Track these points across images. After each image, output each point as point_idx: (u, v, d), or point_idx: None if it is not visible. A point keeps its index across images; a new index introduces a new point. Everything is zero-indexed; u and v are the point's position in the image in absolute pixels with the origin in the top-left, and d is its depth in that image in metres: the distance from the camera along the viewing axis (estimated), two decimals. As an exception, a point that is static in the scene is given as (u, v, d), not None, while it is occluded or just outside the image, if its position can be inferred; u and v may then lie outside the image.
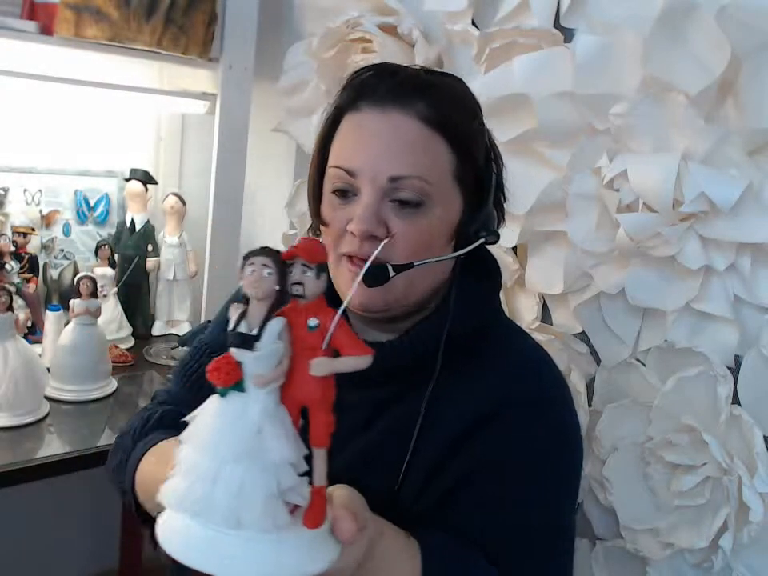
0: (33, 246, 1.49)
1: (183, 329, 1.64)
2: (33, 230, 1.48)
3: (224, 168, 1.49)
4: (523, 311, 1.16)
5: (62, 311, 1.37)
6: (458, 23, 1.15)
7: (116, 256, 1.57)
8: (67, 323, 1.30)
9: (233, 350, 0.46)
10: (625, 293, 0.98)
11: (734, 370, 0.92)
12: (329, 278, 0.49)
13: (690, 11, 0.86)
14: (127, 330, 1.56)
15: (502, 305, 0.86)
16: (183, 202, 1.63)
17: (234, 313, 0.47)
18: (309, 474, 0.49)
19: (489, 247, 0.75)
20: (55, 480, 1.11)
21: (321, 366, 0.46)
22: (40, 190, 1.55)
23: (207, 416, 0.48)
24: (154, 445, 0.75)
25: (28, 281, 1.43)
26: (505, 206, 0.76)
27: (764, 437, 0.89)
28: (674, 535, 0.96)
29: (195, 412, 0.49)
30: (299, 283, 0.46)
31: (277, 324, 0.46)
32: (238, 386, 0.46)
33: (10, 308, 1.15)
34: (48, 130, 1.56)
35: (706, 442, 0.90)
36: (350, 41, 1.27)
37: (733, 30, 0.82)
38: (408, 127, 0.66)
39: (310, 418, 0.47)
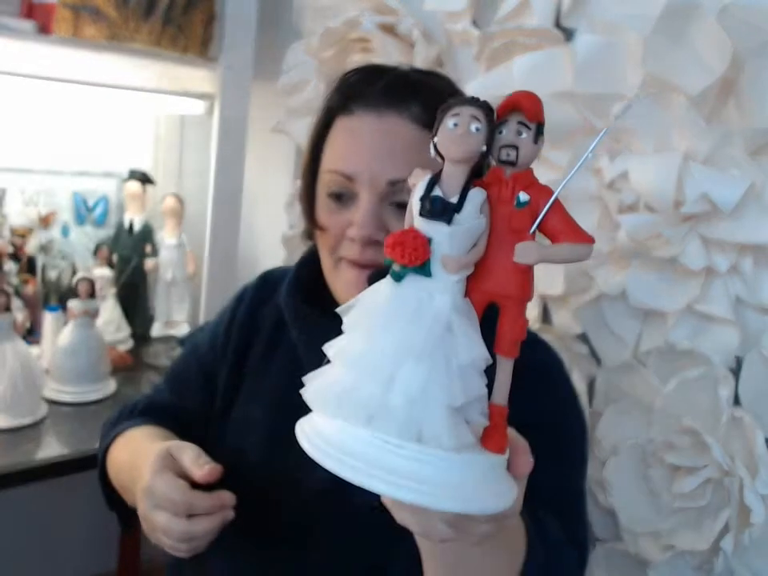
0: (31, 246, 1.48)
1: (182, 330, 1.64)
2: (31, 230, 1.47)
3: (223, 168, 1.49)
4: (523, 312, 1.15)
5: (60, 312, 1.36)
6: (458, 23, 1.15)
7: (114, 257, 1.57)
8: (66, 324, 1.29)
9: (422, 222, 0.38)
10: (626, 294, 0.98)
11: (736, 372, 0.92)
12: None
13: (691, 11, 0.85)
14: (126, 331, 1.55)
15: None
16: (182, 203, 1.63)
17: (418, 179, 0.40)
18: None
19: None
20: (54, 481, 1.11)
21: (529, 252, 0.37)
22: (38, 191, 1.55)
23: (379, 303, 0.39)
24: (125, 431, 0.78)
25: (26, 282, 1.42)
26: None
27: (765, 438, 0.88)
28: (675, 537, 0.95)
29: (359, 296, 0.41)
30: (512, 146, 0.37)
31: (479, 195, 0.38)
32: (422, 268, 0.37)
33: (8, 309, 1.14)
34: (46, 131, 1.55)
35: (706, 444, 0.90)
36: (350, 40, 1.26)
37: (734, 30, 0.82)
38: (404, 130, 0.66)
39: (501, 318, 0.39)
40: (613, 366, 1.04)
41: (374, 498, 0.65)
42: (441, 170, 0.39)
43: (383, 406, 0.36)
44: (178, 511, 0.61)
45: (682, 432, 0.94)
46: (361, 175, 0.66)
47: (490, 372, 0.39)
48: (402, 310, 0.37)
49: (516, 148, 0.37)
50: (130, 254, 1.58)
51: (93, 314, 1.28)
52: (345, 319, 0.41)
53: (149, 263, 1.61)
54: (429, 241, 0.37)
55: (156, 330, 1.65)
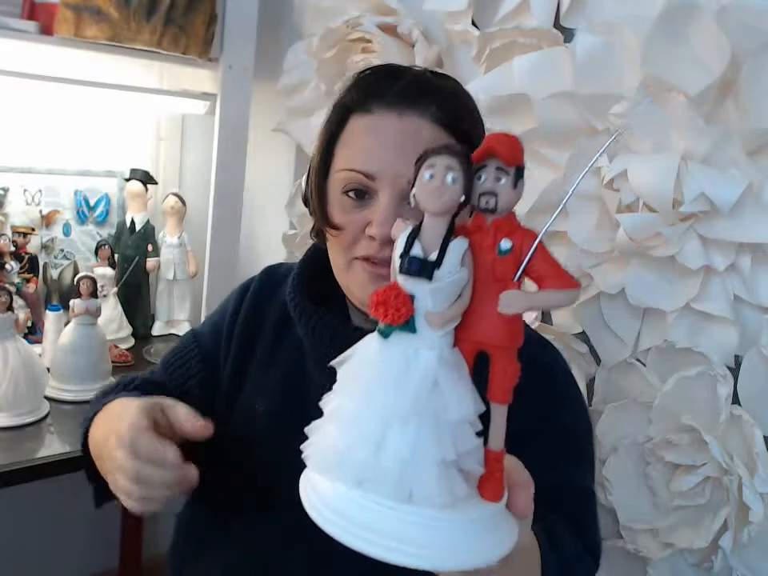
0: (33, 246, 1.49)
1: (183, 329, 1.64)
2: (33, 229, 1.48)
3: (224, 168, 1.49)
4: (523, 311, 1.16)
5: (61, 311, 1.37)
6: (458, 23, 1.15)
7: (116, 256, 1.57)
8: (67, 323, 1.30)
9: (403, 280, 0.37)
10: (625, 293, 0.98)
11: (734, 370, 0.92)
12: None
13: (690, 11, 0.86)
14: (127, 329, 1.56)
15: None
16: (183, 202, 1.63)
17: (399, 231, 0.38)
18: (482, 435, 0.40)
19: None
20: (55, 480, 1.11)
21: (513, 302, 0.36)
22: (40, 190, 1.55)
23: (368, 361, 0.39)
24: (112, 401, 0.75)
25: (28, 281, 1.43)
26: None
27: (764, 437, 0.89)
28: (674, 535, 0.96)
29: (347, 352, 0.41)
30: (491, 193, 0.36)
31: (460, 246, 0.37)
32: (407, 325, 0.37)
33: (10, 308, 1.15)
34: (48, 130, 1.56)
35: (705, 442, 0.90)
36: (350, 41, 1.27)
37: (733, 30, 0.82)
38: (424, 130, 0.66)
39: (492, 367, 0.38)
40: (612, 365, 1.04)
41: None
42: (421, 222, 0.38)
43: (375, 469, 0.36)
44: (139, 453, 0.60)
45: (681, 430, 0.94)
46: (383, 174, 0.66)
47: (486, 415, 0.39)
48: (389, 370, 0.37)
49: (495, 195, 0.36)
50: (131, 253, 1.58)
51: (94, 313, 1.28)
52: (338, 374, 0.41)
53: (150, 262, 1.61)
54: (411, 298, 0.37)
55: (157, 329, 1.65)
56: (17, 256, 1.43)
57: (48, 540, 1.70)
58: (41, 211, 1.55)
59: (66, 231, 1.59)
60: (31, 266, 1.45)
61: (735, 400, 0.92)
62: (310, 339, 0.74)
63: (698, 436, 0.92)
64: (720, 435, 0.91)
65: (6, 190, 1.48)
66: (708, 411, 0.92)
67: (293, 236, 1.49)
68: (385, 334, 0.38)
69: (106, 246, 1.52)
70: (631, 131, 0.93)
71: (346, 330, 0.72)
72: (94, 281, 1.29)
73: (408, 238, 0.37)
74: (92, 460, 0.75)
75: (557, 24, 1.05)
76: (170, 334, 1.65)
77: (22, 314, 1.33)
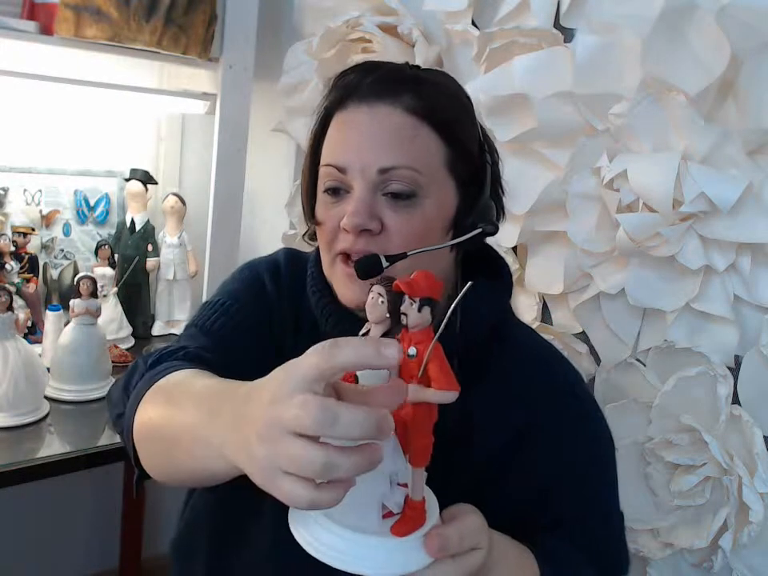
0: (33, 245, 1.49)
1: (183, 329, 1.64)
2: (33, 229, 1.48)
3: (224, 168, 1.49)
4: (523, 311, 1.16)
5: (62, 311, 1.37)
6: (458, 23, 1.15)
7: (116, 256, 1.57)
8: (67, 323, 1.29)
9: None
10: (625, 293, 0.98)
11: (734, 370, 0.92)
12: (434, 308, 0.50)
13: (689, 11, 0.86)
14: (127, 329, 1.56)
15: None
16: (183, 202, 1.63)
17: (363, 329, 0.52)
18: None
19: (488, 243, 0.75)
20: (55, 480, 1.11)
21: (411, 393, 0.48)
22: (40, 190, 1.55)
23: None
24: (176, 370, 0.64)
25: (28, 281, 1.43)
26: (504, 200, 0.76)
27: (764, 437, 0.89)
28: (674, 535, 0.96)
29: None
30: (404, 314, 0.49)
31: None
32: None
33: (10, 308, 1.14)
34: (48, 130, 1.56)
35: (705, 442, 0.90)
36: (350, 41, 1.27)
37: (733, 30, 0.82)
38: (394, 118, 0.66)
39: (409, 439, 0.49)
40: (612, 365, 1.04)
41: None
42: (369, 330, 0.51)
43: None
44: (326, 432, 0.42)
45: (681, 430, 0.94)
46: (352, 165, 0.66)
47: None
48: None
49: (407, 315, 0.48)
50: (131, 253, 1.58)
51: (94, 313, 1.28)
52: None
53: (150, 262, 1.61)
54: (356, 378, 0.51)
55: (157, 329, 1.65)
56: (17, 256, 1.43)
57: (49, 539, 1.70)
58: (41, 211, 1.55)
59: (66, 231, 1.59)
60: (31, 266, 1.45)
61: (735, 400, 0.92)
62: (338, 335, 0.71)
63: (698, 436, 0.92)
64: (720, 435, 0.91)
65: (6, 190, 1.48)
66: (708, 411, 0.92)
67: (293, 236, 1.49)
68: None
69: (106, 246, 1.52)
70: (631, 131, 0.93)
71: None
72: (93, 281, 1.29)
73: (359, 337, 0.50)
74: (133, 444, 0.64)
75: (557, 24, 1.05)
76: (170, 334, 1.65)
77: (21, 314, 1.33)
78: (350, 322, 0.69)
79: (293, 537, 0.50)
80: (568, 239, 1.02)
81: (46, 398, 1.22)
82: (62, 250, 1.59)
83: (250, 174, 1.54)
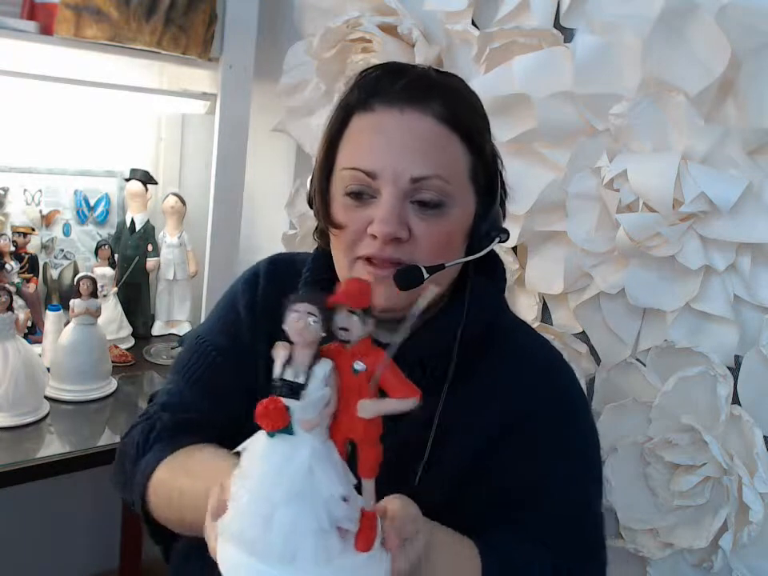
0: (33, 245, 1.49)
1: (183, 329, 1.64)
2: (33, 229, 1.48)
3: (224, 168, 1.49)
4: (523, 311, 1.16)
5: (62, 311, 1.37)
6: (458, 23, 1.15)
7: (116, 256, 1.57)
8: (67, 323, 1.30)
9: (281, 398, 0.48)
10: (625, 293, 0.98)
11: (734, 370, 0.92)
12: (374, 319, 0.49)
13: (689, 11, 0.86)
14: (127, 329, 1.56)
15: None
16: (183, 202, 1.63)
17: (278, 355, 0.48)
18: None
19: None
20: (55, 480, 1.11)
21: (366, 409, 0.47)
22: (40, 190, 1.55)
23: (256, 456, 0.49)
24: (163, 458, 0.72)
25: (28, 281, 1.43)
26: (506, 203, 0.76)
27: (764, 437, 0.89)
28: (674, 535, 0.96)
29: (245, 444, 0.50)
30: (344, 329, 0.46)
31: (323, 368, 0.47)
32: (286, 429, 0.47)
33: (10, 308, 1.15)
34: (48, 130, 1.56)
35: (705, 442, 0.90)
36: (350, 41, 1.27)
37: (733, 30, 0.82)
38: (426, 127, 0.66)
39: (358, 453, 0.49)
40: (612, 365, 1.04)
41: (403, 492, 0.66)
42: (292, 351, 0.48)
43: (264, 543, 0.47)
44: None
45: (681, 430, 0.94)
46: (384, 172, 0.65)
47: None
48: (272, 464, 0.47)
49: (348, 330, 0.46)
50: (131, 253, 1.58)
51: (94, 313, 1.28)
52: (240, 461, 0.50)
53: (150, 262, 1.61)
54: (288, 408, 0.47)
55: (157, 329, 1.65)
56: (17, 256, 1.43)
57: (48, 540, 1.70)
58: (41, 211, 1.55)
59: (66, 231, 1.59)
60: (31, 266, 1.45)
61: (735, 400, 0.92)
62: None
63: (698, 436, 0.92)
64: (720, 435, 0.91)
65: (6, 190, 1.49)
66: (708, 411, 0.92)
67: (293, 236, 1.49)
68: (270, 435, 0.48)
69: (106, 246, 1.52)
70: (631, 131, 0.93)
71: None
72: (93, 281, 1.29)
73: (282, 364, 0.48)
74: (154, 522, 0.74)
75: (557, 24, 1.05)
76: (170, 334, 1.65)
77: (21, 314, 1.33)
78: None
79: None
80: (568, 239, 1.02)
81: (46, 397, 1.22)
82: (62, 250, 1.59)
83: (250, 174, 1.54)
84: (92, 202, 1.62)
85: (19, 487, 1.06)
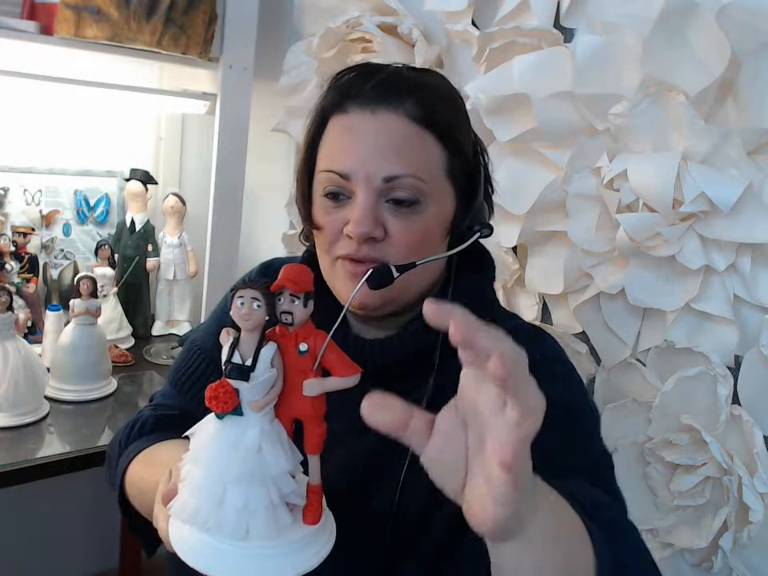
0: (33, 245, 1.49)
1: (183, 329, 1.64)
2: (33, 229, 1.48)
3: (224, 167, 1.49)
4: (523, 311, 1.16)
5: (62, 311, 1.37)
6: (458, 23, 1.15)
7: (116, 256, 1.57)
8: (67, 323, 1.30)
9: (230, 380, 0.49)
10: (625, 293, 0.98)
11: (734, 370, 0.92)
12: (316, 301, 0.50)
13: (689, 11, 0.86)
14: (127, 329, 1.56)
15: (500, 301, 0.86)
16: (183, 202, 1.63)
17: (225, 341, 0.50)
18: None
19: (488, 243, 0.75)
20: (55, 480, 1.11)
21: (312, 387, 0.49)
22: (40, 190, 1.55)
23: (207, 438, 0.51)
24: (139, 452, 0.75)
25: (28, 281, 1.43)
26: (495, 198, 0.76)
27: (764, 437, 0.89)
28: (674, 535, 0.96)
29: (194, 428, 0.52)
30: (288, 312, 0.48)
31: (268, 351, 0.49)
32: (235, 411, 0.49)
33: (10, 308, 1.15)
34: (48, 130, 1.56)
35: (705, 442, 0.90)
36: (350, 41, 1.27)
37: (733, 30, 0.82)
38: (398, 126, 0.66)
39: (305, 430, 0.51)
40: (612, 365, 1.04)
41: (388, 505, 0.65)
42: (240, 335, 0.49)
43: (217, 519, 0.49)
44: None
45: (681, 430, 0.94)
46: (356, 173, 0.66)
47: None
48: (222, 444, 0.50)
49: (291, 313, 0.48)
50: (131, 253, 1.58)
51: (94, 313, 1.28)
52: (190, 444, 0.52)
53: (150, 262, 1.61)
54: (237, 391, 0.49)
55: (157, 329, 1.65)
56: (17, 256, 1.43)
57: (49, 539, 1.70)
58: (41, 211, 1.55)
59: (66, 231, 1.59)
60: (31, 266, 1.45)
61: (735, 400, 0.92)
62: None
63: (697, 436, 0.92)
64: (720, 435, 0.91)
65: (6, 190, 1.49)
66: (708, 411, 0.92)
67: (293, 236, 1.49)
68: (220, 417, 0.50)
69: (106, 246, 1.52)
70: (631, 131, 0.93)
71: (346, 341, 0.71)
72: (93, 281, 1.29)
73: (230, 348, 0.49)
74: (133, 514, 0.76)
75: (557, 24, 1.05)
76: (170, 334, 1.65)
77: (22, 314, 1.33)
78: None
79: None
80: (568, 239, 1.02)
81: (46, 397, 1.22)
82: (62, 250, 1.59)
83: (250, 174, 1.54)
84: (92, 202, 1.62)
85: (19, 487, 1.06)
